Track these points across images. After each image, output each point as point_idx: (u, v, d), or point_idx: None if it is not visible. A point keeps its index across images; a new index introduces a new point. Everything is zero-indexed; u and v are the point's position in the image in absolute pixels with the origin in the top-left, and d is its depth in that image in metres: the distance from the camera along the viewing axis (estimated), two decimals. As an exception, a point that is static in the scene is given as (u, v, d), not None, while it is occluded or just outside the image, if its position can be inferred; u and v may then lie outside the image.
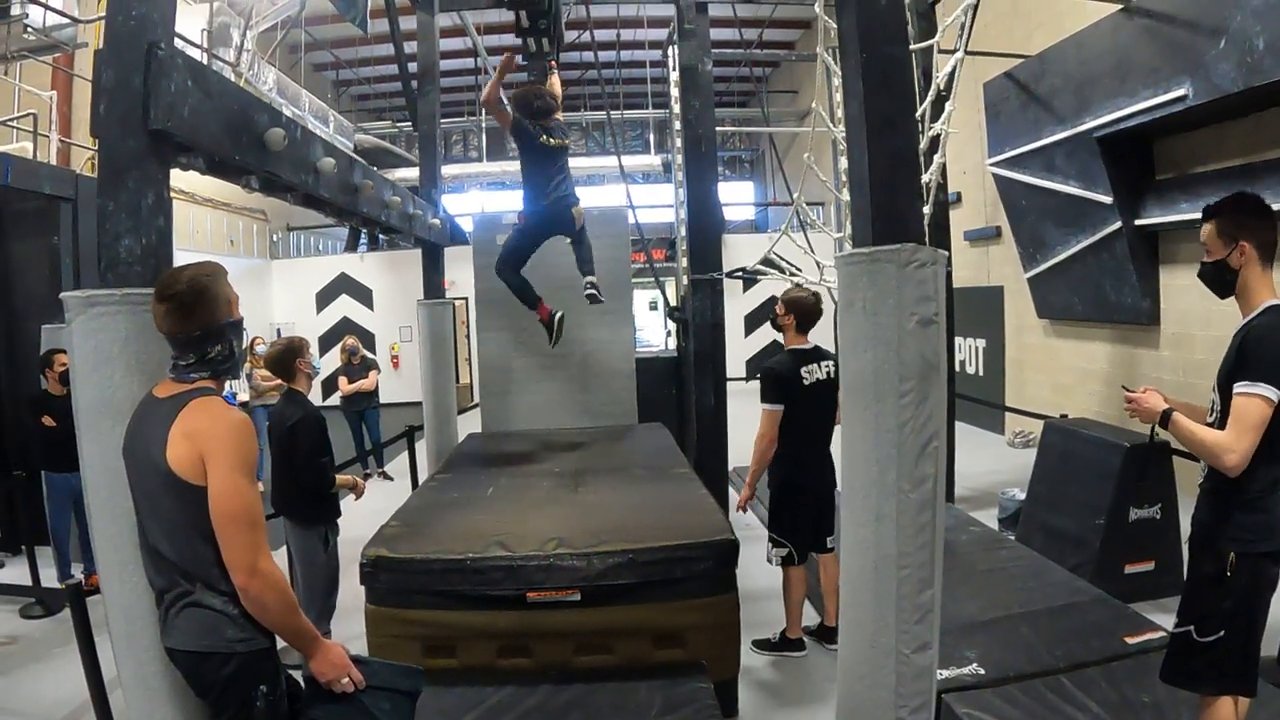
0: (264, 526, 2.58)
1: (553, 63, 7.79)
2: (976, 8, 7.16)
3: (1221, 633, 3.02)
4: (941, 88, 6.99)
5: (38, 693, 5.31)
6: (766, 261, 9.42)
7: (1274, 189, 6.69)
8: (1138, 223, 8.65)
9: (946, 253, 3.22)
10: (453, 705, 3.93)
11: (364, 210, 6.02)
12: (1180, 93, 7.43)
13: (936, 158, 7.26)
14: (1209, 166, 7.95)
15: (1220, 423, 3.04)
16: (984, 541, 6.53)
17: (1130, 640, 4.57)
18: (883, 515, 3.04)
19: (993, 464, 10.07)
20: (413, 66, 9.13)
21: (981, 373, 12.86)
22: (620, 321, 8.83)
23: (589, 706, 3.93)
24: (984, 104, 11.01)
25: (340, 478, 5.10)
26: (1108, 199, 8.74)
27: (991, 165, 10.89)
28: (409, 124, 21.32)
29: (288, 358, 5.31)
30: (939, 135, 7.15)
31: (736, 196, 29.13)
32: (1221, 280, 3.15)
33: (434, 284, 8.72)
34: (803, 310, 5.29)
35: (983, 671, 4.22)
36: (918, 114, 6.68)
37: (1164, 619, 4.53)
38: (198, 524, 2.51)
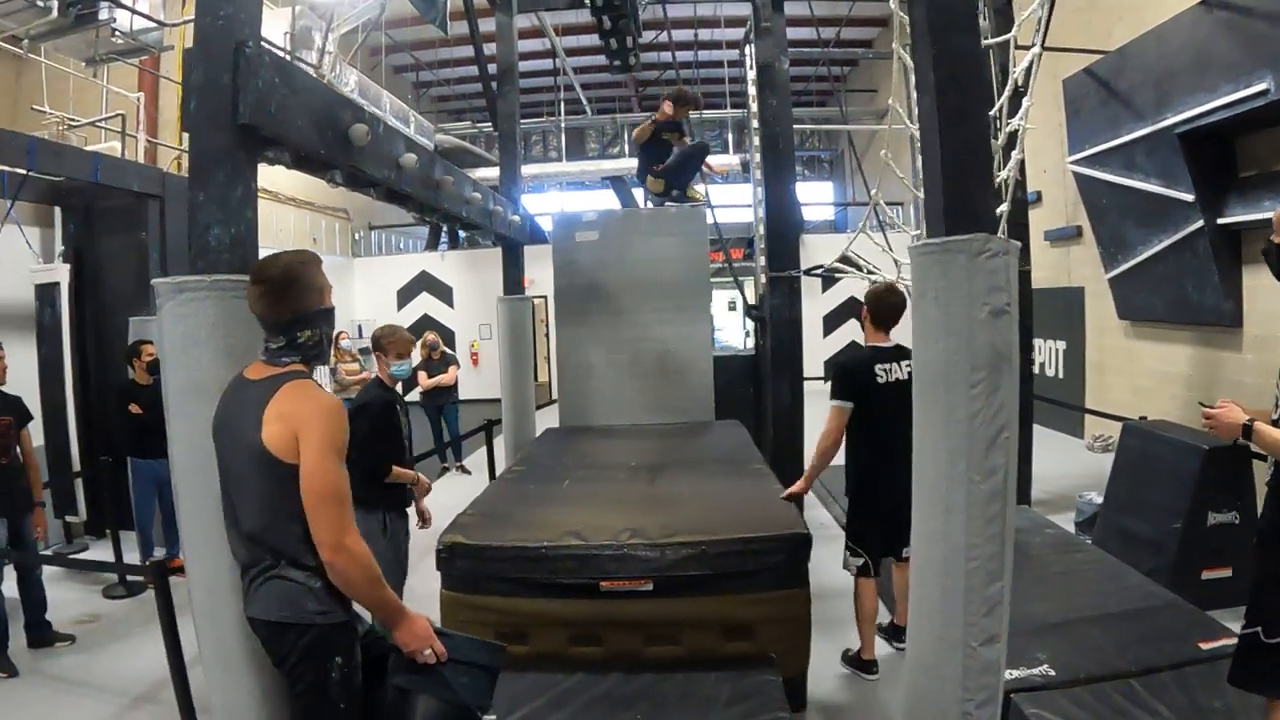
0: (350, 505, 2.68)
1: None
2: (1054, 2, 7.05)
3: None
4: (1019, 83, 6.88)
5: (119, 669, 5.56)
6: (844, 260, 9.37)
7: None
8: (1220, 221, 8.41)
9: (1019, 244, 3.18)
10: (523, 690, 4.00)
11: (445, 206, 6.14)
12: (1262, 87, 7.26)
13: (1015, 154, 7.13)
14: None
15: None
16: (1059, 544, 6.44)
17: (1204, 646, 4.51)
18: (952, 506, 3.03)
19: (1071, 467, 9.90)
20: (492, 68, 9.28)
21: (1061, 375, 12.63)
22: (698, 319, 8.84)
23: (657, 696, 3.98)
24: (1064, 101, 10.83)
25: (400, 471, 5.12)
26: (1189, 197, 8.53)
27: (1072, 163, 10.72)
28: (489, 124, 21.60)
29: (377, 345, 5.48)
30: (1016, 132, 7.04)
31: (815, 196, 29.02)
32: None
33: (514, 280, 8.87)
34: (879, 304, 5.08)
35: (1053, 673, 4.19)
36: (994, 110, 6.61)
37: (1240, 625, 4.45)
38: (287, 501, 2.63)
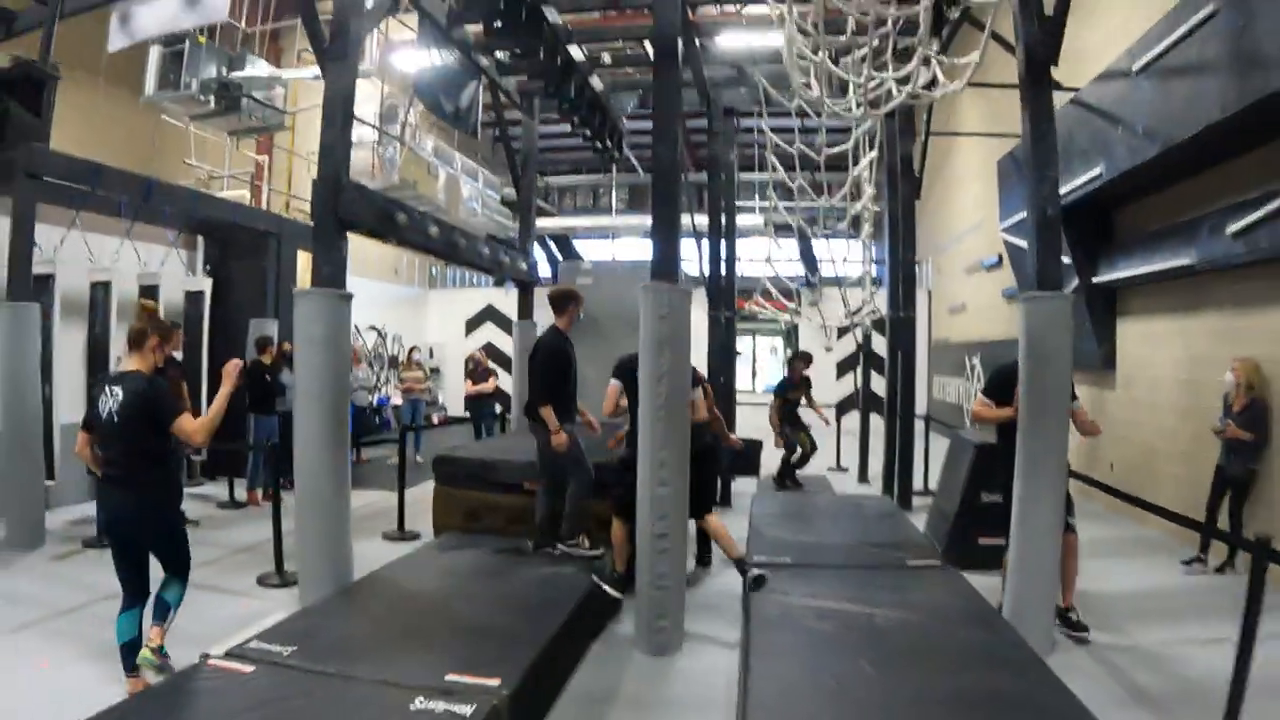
0: None
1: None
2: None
3: None
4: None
5: (230, 538, 8.68)
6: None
7: (1190, 246, 8.21)
8: (1094, 280, 10.19)
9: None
10: (480, 546, 7.06)
11: (463, 258, 9.33)
12: (1097, 171, 9.10)
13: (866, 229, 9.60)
14: (1160, 225, 9.19)
15: None
16: (876, 509, 9.07)
17: (911, 563, 6.66)
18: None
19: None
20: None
21: None
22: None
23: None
24: (998, 178, 12.88)
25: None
26: (1068, 260, 10.11)
27: (1002, 231, 12.83)
28: (556, 177, 24.84)
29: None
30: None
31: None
32: None
33: (526, 310, 11.89)
34: None
35: (788, 560, 6.61)
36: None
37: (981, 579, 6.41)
38: None
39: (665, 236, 5.92)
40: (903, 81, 6.89)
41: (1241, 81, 6.52)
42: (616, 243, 27.58)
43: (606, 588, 6.19)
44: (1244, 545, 5.51)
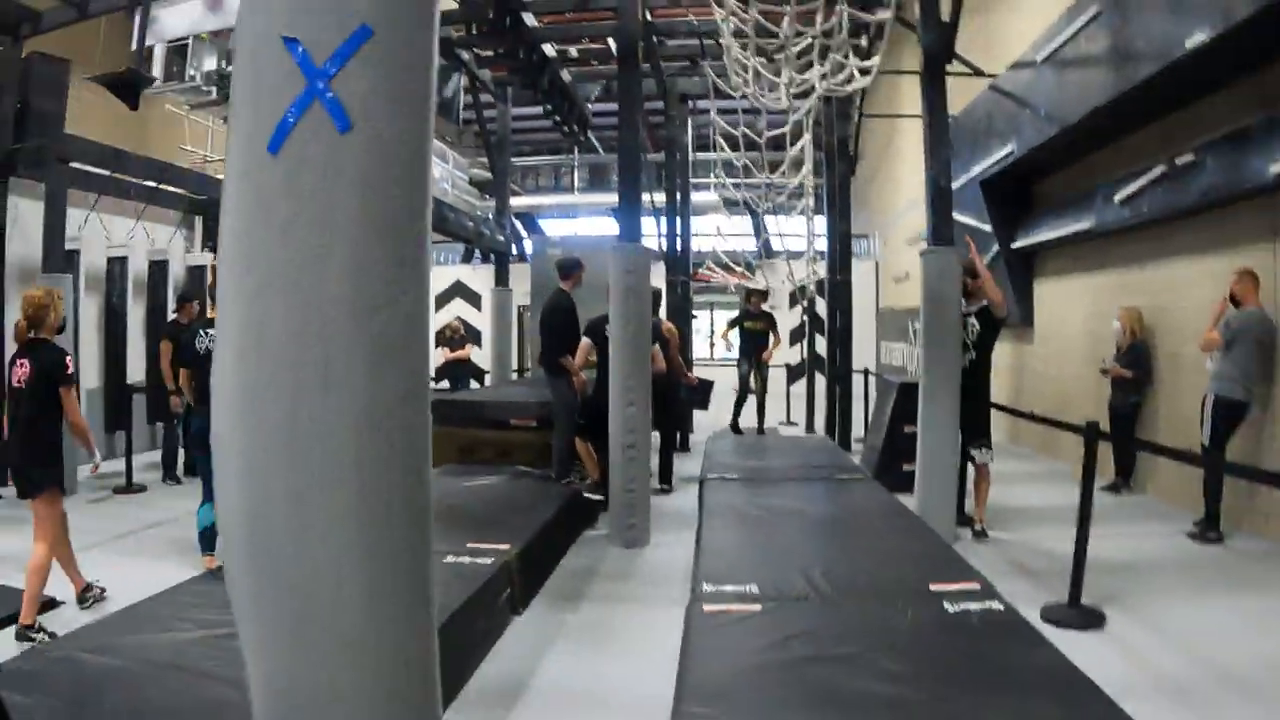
0: None
1: None
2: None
3: None
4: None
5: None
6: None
7: (1090, 213, 9.09)
8: (1012, 245, 11.16)
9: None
10: (477, 473, 8.23)
11: (450, 229, 10.49)
12: (1010, 149, 10.10)
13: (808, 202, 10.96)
14: (1066, 195, 10.07)
15: None
16: (815, 443, 10.57)
17: (840, 476, 7.99)
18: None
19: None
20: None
21: None
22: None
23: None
24: None
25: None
26: (988, 228, 11.29)
27: None
28: (523, 159, 25.84)
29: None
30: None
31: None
32: None
33: (502, 278, 13.04)
34: None
35: (734, 476, 7.96)
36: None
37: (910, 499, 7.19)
38: None
39: (629, 207, 7.12)
40: (824, 77, 8.16)
41: (1119, 72, 7.63)
42: (578, 221, 28.52)
43: (589, 494, 7.62)
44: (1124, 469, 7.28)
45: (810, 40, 8.00)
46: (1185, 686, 4.11)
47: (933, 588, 4.47)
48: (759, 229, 19.09)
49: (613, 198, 26.54)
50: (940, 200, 7.20)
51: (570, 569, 6.31)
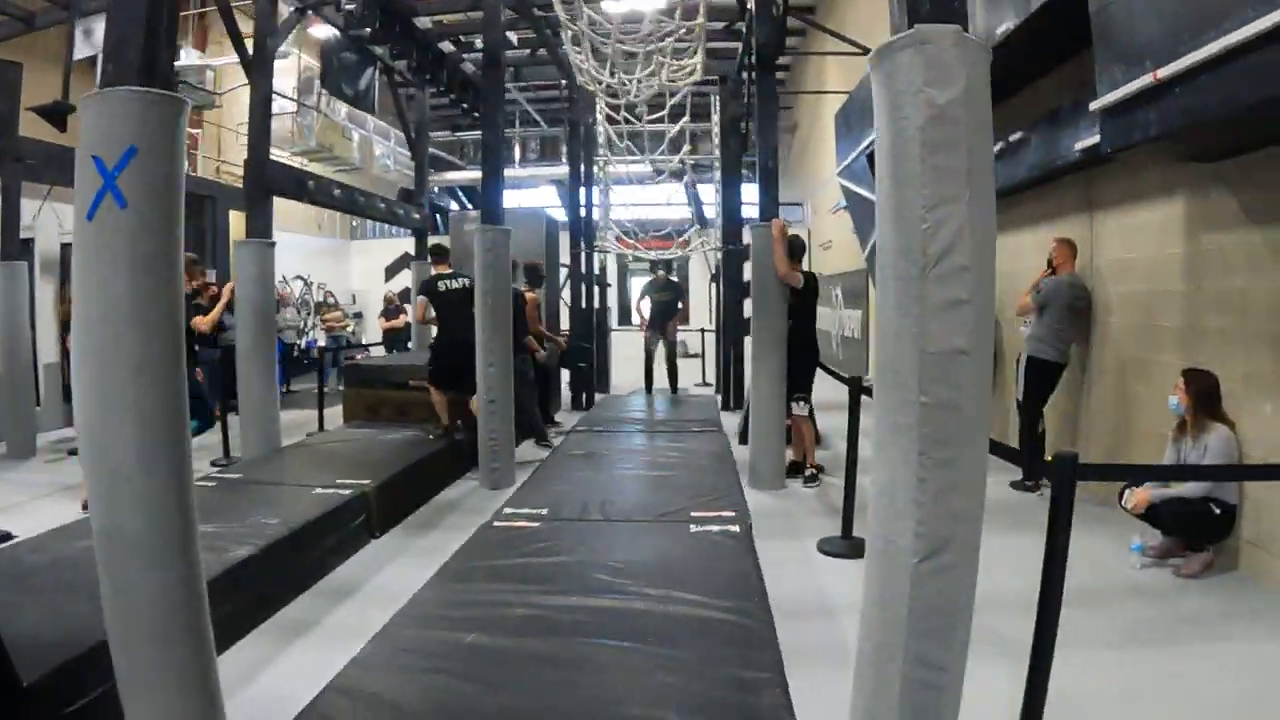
0: None
1: None
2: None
3: None
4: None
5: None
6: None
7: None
8: None
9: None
10: (376, 427, 9.50)
11: (364, 211, 11.73)
12: None
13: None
14: None
15: None
16: (700, 399, 11.89)
17: (694, 429, 9.50)
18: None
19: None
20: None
21: (857, 335, 16.96)
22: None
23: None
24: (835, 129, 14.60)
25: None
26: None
27: (837, 174, 14.44)
28: (466, 133, 26.83)
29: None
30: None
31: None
32: None
33: (422, 253, 14.01)
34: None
35: (602, 429, 9.42)
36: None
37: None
38: None
39: (492, 194, 8.23)
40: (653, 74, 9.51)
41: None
42: (522, 192, 29.54)
43: (432, 436, 8.82)
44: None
45: (638, 51, 9.26)
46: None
47: (692, 514, 5.67)
48: (695, 200, 20.09)
49: (555, 170, 28.02)
50: (767, 181, 8.17)
51: (438, 503, 7.54)
